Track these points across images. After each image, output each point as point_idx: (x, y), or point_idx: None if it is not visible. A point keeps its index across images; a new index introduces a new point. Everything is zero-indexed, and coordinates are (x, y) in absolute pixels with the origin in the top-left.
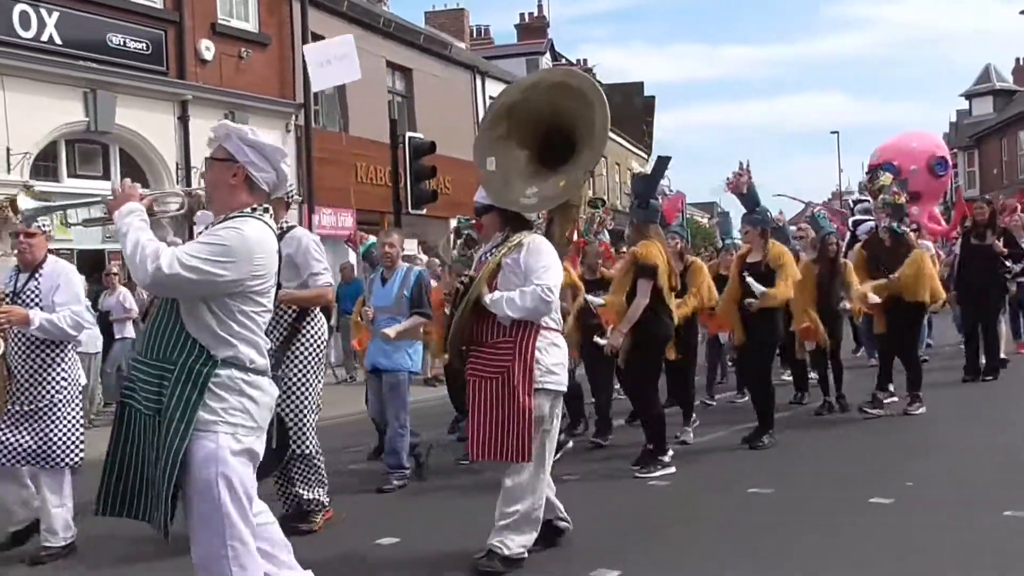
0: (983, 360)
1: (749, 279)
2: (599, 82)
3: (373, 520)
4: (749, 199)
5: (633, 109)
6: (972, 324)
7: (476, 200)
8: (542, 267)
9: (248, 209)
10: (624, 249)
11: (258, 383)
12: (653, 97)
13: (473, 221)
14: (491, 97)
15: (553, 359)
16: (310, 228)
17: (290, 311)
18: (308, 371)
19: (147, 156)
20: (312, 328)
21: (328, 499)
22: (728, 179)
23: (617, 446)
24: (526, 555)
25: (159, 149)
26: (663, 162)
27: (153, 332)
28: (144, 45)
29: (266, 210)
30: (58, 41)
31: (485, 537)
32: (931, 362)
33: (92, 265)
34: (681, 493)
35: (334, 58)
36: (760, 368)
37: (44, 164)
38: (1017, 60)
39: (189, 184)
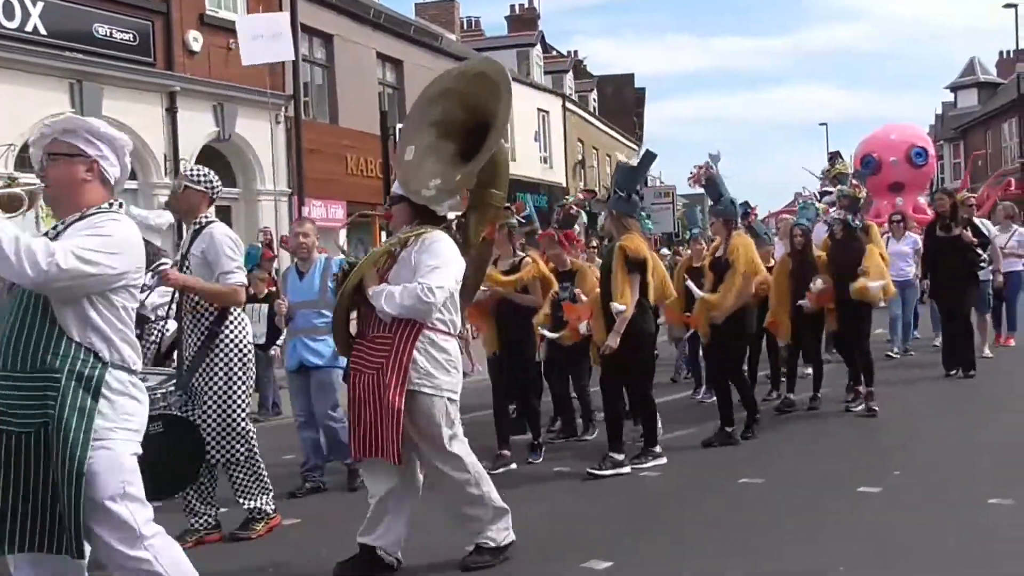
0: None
1: (689, 283)
2: (590, 74)
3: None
4: (713, 190)
5: (624, 101)
6: (948, 316)
7: (393, 189)
8: (431, 266)
9: (106, 205)
10: (596, 241)
11: (139, 384)
12: (643, 89)
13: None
14: None
15: (434, 362)
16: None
17: (208, 313)
18: (232, 375)
19: (134, 147)
20: (233, 330)
21: (273, 507)
22: (692, 172)
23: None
24: (513, 536)
25: (147, 141)
26: (649, 157)
27: (15, 341)
28: (131, 36)
29: (120, 205)
30: (43, 32)
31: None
32: (915, 356)
33: None
34: (672, 485)
35: (266, 35)
36: (730, 366)
37: (29, 155)
38: (1001, 53)
39: (177, 175)
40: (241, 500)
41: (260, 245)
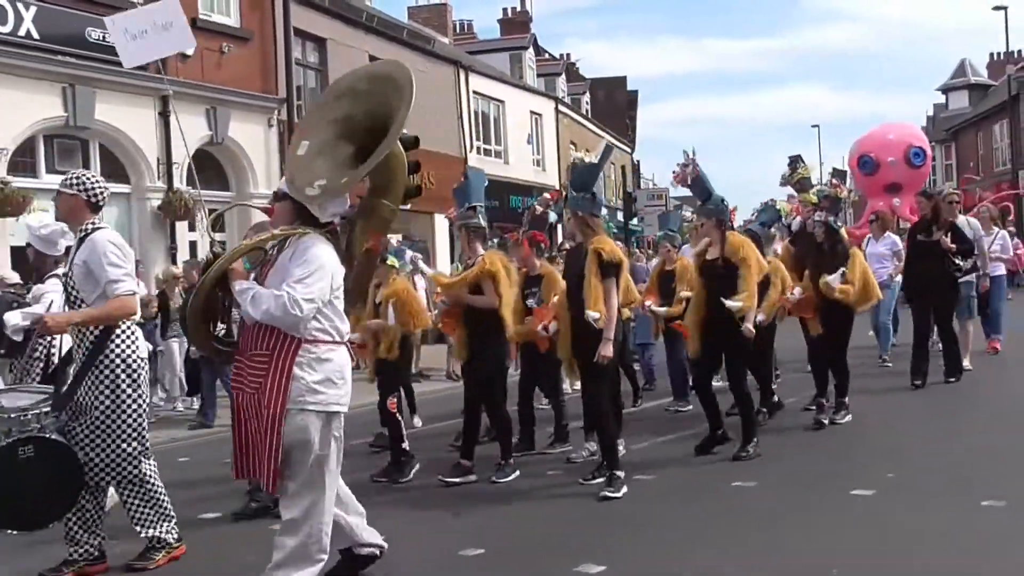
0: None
1: (727, 302)
2: (583, 77)
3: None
4: (700, 190)
5: (616, 104)
6: (924, 325)
7: (279, 185)
8: (299, 275)
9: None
10: (568, 244)
11: None
12: (636, 91)
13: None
14: (475, 92)
15: (318, 376)
16: None
17: (93, 328)
18: (120, 392)
19: (127, 151)
20: (121, 343)
21: (176, 535)
22: (674, 171)
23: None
24: None
25: (139, 144)
26: (608, 151)
27: None
28: None
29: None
30: (36, 36)
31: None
32: (895, 364)
33: None
34: (666, 488)
35: (153, 29)
36: (735, 378)
37: (22, 160)
38: (991, 54)
39: (170, 179)
40: (137, 528)
41: None
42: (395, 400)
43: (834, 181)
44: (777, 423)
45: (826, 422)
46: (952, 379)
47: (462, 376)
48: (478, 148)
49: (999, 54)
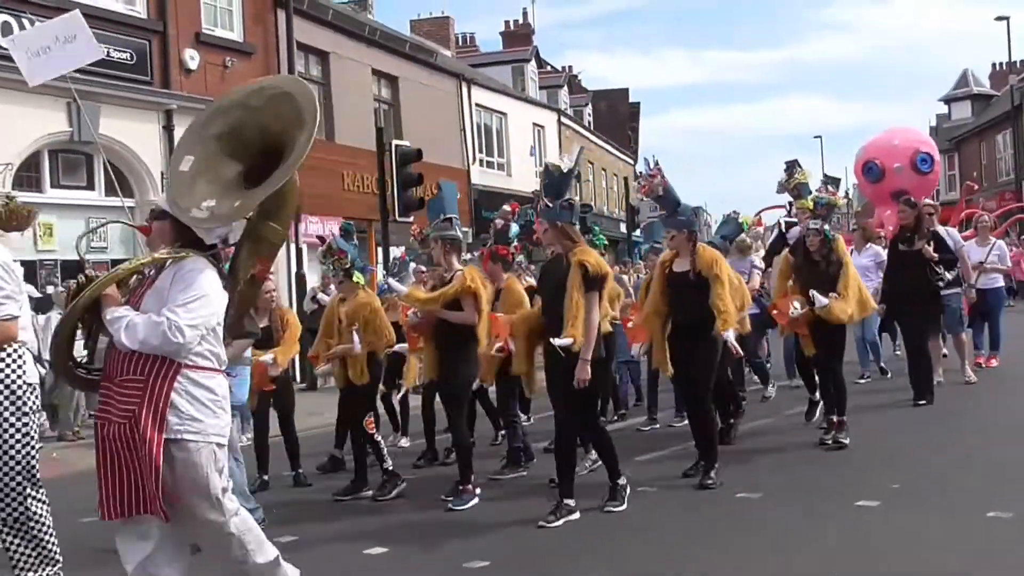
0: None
1: (728, 336)
2: (585, 89)
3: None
4: (668, 201)
5: (618, 116)
6: (914, 336)
7: (159, 203)
8: (183, 301)
9: None
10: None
11: None
12: (638, 103)
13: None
14: (478, 104)
15: (197, 403)
16: (296, 237)
17: None
18: (2, 423)
19: (132, 166)
20: (3, 370)
21: None
22: (639, 182)
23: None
24: None
25: (144, 159)
26: (580, 152)
27: None
28: (128, 55)
29: None
30: None
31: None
32: (885, 379)
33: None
34: (669, 499)
35: (56, 43)
36: (697, 393)
37: (27, 175)
38: (994, 65)
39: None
40: (16, 573)
41: None
42: (372, 419)
43: (829, 188)
44: (780, 435)
45: (829, 441)
46: (923, 402)
47: (423, 394)
48: (481, 160)
49: (1001, 64)
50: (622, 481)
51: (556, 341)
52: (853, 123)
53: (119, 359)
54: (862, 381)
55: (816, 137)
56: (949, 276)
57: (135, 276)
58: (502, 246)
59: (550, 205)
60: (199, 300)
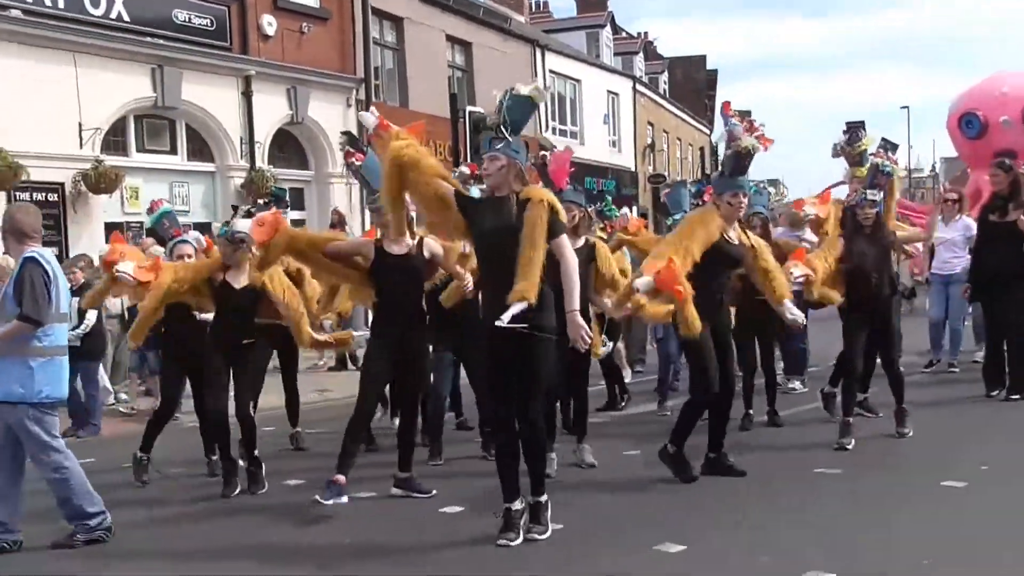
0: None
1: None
2: (661, 56)
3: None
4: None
5: (695, 83)
6: (997, 324)
7: None
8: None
9: None
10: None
11: None
12: (715, 71)
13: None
14: (551, 71)
15: None
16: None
17: None
18: None
19: (212, 131)
20: None
21: None
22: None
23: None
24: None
25: (224, 124)
26: (545, 90)
27: None
28: (208, 21)
29: None
30: (126, 18)
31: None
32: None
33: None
34: (752, 472)
35: None
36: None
37: (114, 139)
38: None
39: (252, 158)
40: None
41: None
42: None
43: (889, 155)
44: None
45: (908, 431)
46: (1016, 396)
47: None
48: (553, 128)
49: None
50: (544, 498)
51: (506, 316)
52: (942, 93)
53: None
54: (930, 370)
55: (903, 107)
56: None
57: None
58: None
59: (509, 139)
60: None
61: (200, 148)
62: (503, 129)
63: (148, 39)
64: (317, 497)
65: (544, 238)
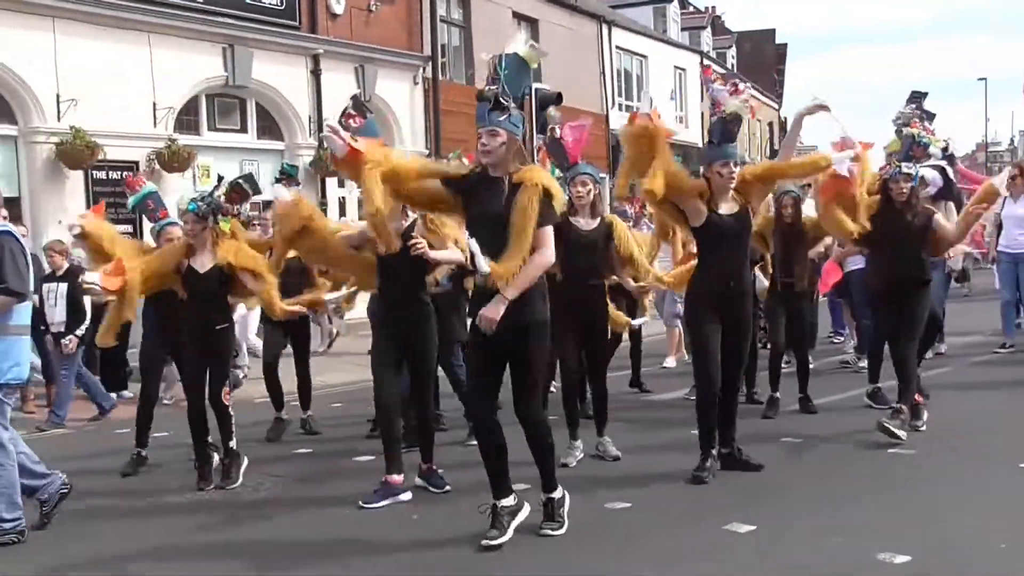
0: None
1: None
2: (729, 30)
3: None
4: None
5: (764, 58)
6: None
7: None
8: None
9: None
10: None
11: None
12: (785, 45)
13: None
14: (618, 47)
15: None
16: None
17: None
18: None
19: (281, 109)
20: None
21: None
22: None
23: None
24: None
25: (293, 102)
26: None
27: None
28: (278, 1)
29: None
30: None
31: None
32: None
33: None
34: (818, 451)
35: None
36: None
37: (187, 118)
38: None
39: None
40: None
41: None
42: (229, 390)
43: (926, 125)
44: (936, 396)
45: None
46: None
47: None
48: (620, 104)
49: None
50: (558, 494)
51: (482, 267)
52: (1020, 67)
53: None
54: (1003, 351)
55: (980, 79)
56: None
57: None
58: None
59: (511, 110)
60: None
61: (269, 126)
62: (502, 100)
63: (219, 19)
64: (361, 503)
65: (533, 225)
